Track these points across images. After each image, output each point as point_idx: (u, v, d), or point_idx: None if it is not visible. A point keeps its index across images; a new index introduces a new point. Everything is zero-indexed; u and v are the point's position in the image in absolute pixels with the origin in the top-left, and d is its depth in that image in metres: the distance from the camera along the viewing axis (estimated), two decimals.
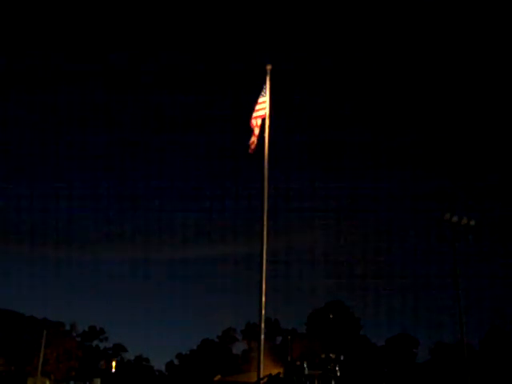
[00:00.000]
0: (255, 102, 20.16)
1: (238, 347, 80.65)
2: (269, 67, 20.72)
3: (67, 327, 75.33)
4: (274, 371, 17.52)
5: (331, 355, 16.80)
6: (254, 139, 19.69)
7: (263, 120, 19.97)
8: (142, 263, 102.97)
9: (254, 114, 20.00)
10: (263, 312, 18.44)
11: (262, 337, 18.34)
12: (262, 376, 17.55)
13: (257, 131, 19.73)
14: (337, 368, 16.54)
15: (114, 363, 79.93)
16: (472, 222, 34.82)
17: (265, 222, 18.93)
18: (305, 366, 16.40)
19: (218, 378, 63.14)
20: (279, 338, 76.02)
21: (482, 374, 58.12)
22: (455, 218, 34.43)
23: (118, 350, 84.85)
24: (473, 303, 66.88)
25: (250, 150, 19.66)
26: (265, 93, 20.29)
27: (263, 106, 20.10)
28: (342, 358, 16.77)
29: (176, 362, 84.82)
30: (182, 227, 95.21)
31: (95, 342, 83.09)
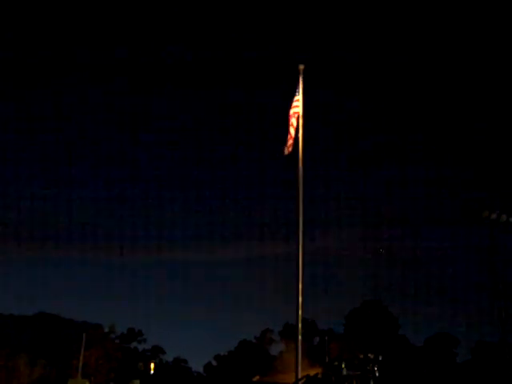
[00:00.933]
0: (290, 103, 20.18)
1: (276, 348, 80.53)
2: (301, 67, 20.72)
3: (106, 329, 76.07)
4: (312, 372, 17.46)
5: (369, 355, 16.68)
6: (290, 140, 19.68)
7: (297, 120, 19.95)
8: (179, 264, 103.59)
9: (291, 113, 20.00)
10: (300, 313, 18.43)
11: (300, 337, 18.33)
12: (300, 377, 17.53)
13: (293, 132, 19.72)
14: (375, 368, 16.42)
15: (152, 365, 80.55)
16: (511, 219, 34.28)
17: (300, 223, 18.91)
18: (343, 366, 16.32)
19: (256, 378, 63.27)
20: (316, 339, 75.74)
21: None
22: (494, 215, 33.92)
23: (156, 352, 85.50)
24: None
25: (286, 152, 19.67)
26: (298, 92, 20.30)
27: (297, 104, 20.10)
28: (380, 358, 16.64)
29: (214, 363, 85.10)
30: (219, 228, 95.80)
31: (134, 344, 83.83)
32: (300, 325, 18.27)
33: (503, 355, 35.06)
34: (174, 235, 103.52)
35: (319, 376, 16.73)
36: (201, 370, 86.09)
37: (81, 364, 58.61)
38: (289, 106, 20.10)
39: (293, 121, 19.76)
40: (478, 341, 70.08)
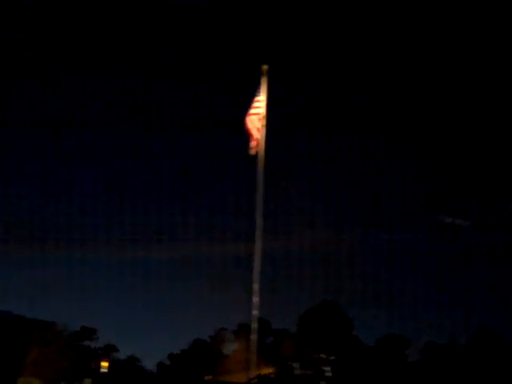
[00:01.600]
0: (251, 103, 20.25)
1: (230, 347, 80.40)
2: (265, 67, 20.75)
3: (58, 327, 74.86)
4: (265, 371, 17.52)
5: (322, 356, 16.82)
6: (254, 141, 19.77)
7: (260, 121, 20.02)
8: (132, 263, 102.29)
9: (250, 113, 20.06)
10: (255, 312, 18.46)
11: (254, 337, 18.36)
12: (253, 376, 17.58)
13: (256, 132, 19.79)
14: (328, 368, 16.57)
15: (104, 363, 79.62)
16: (466, 224, 35.01)
17: (259, 220, 18.95)
18: (296, 366, 16.43)
19: (209, 378, 63.08)
20: (270, 339, 75.98)
21: (472, 374, 58.42)
22: (449, 219, 34.60)
23: (109, 350, 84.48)
24: (463, 303, 67.24)
25: (252, 151, 19.75)
26: (260, 93, 20.34)
27: (259, 105, 20.17)
28: (332, 358, 16.79)
29: (167, 362, 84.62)
30: (172, 226, 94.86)
31: (86, 343, 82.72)
32: (255, 324, 18.30)
33: (451, 356, 35.79)
34: (124, 234, 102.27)
35: (272, 375, 16.80)
36: (154, 368, 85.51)
37: (30, 362, 57.53)
38: (250, 106, 20.14)
39: (255, 121, 19.82)
40: (427, 342, 71.39)
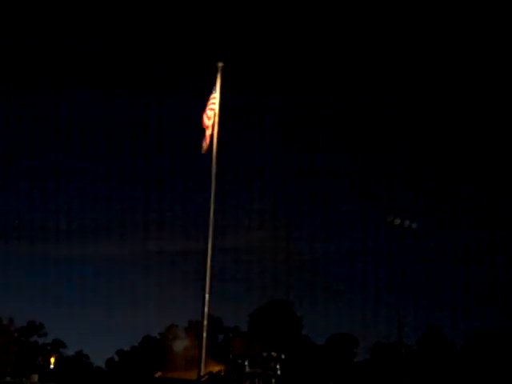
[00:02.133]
0: (206, 100, 20.12)
1: (180, 344, 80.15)
2: (220, 65, 20.65)
3: (4, 322, 73.43)
4: (215, 369, 17.48)
5: (272, 354, 16.86)
6: (206, 138, 19.66)
7: (213, 118, 19.92)
8: (81, 259, 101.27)
9: (206, 112, 19.95)
10: (206, 309, 18.39)
11: (205, 334, 18.29)
12: (202, 374, 17.50)
13: (209, 130, 19.68)
14: (278, 366, 16.61)
15: (52, 359, 78.47)
16: (414, 225, 35.56)
17: (211, 218, 18.86)
18: (246, 364, 16.42)
19: (158, 374, 62.66)
20: (221, 336, 75.99)
21: (419, 374, 59.46)
22: (398, 221, 35.10)
23: (57, 346, 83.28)
24: (411, 304, 68.51)
25: (203, 150, 19.61)
26: (215, 91, 20.22)
27: (213, 101, 20.05)
28: (283, 356, 16.85)
29: (116, 358, 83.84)
30: (122, 222, 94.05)
31: (34, 338, 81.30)
32: (206, 322, 18.23)
33: (399, 355, 36.33)
34: (73, 229, 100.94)
35: (222, 373, 16.77)
36: (103, 365, 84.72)
37: None
38: (205, 103, 20.04)
39: (210, 119, 19.73)
40: (376, 342, 72.38)
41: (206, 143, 19.54)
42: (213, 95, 20.05)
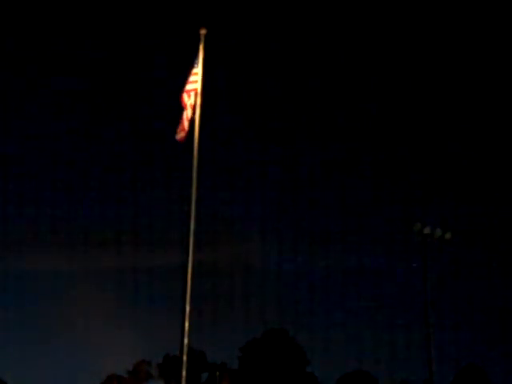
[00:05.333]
0: (187, 75, 19.95)
1: None
2: (203, 32, 20.53)
3: None
4: None
5: None
6: (184, 123, 19.32)
7: (195, 98, 19.71)
8: (33, 277, 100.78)
9: (186, 88, 19.74)
10: (186, 341, 18.30)
11: (184, 373, 18.21)
12: None
13: (189, 113, 19.39)
14: None
15: None
16: (448, 235, 35.48)
17: (192, 231, 18.70)
18: None
19: None
20: (205, 375, 75.91)
21: None
22: (427, 230, 35.01)
23: None
24: (445, 334, 68.44)
25: (179, 138, 19.30)
26: (197, 64, 20.08)
27: (195, 79, 19.88)
28: None
29: None
30: (83, 236, 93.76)
31: None
32: (185, 357, 18.15)
33: None
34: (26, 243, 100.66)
35: None
36: None
37: None
38: (185, 80, 19.90)
39: (190, 98, 19.56)
40: (402, 380, 72.40)
41: (183, 128, 19.25)
42: (194, 70, 19.91)
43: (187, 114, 19.39)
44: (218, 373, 65.38)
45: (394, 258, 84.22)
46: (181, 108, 19.54)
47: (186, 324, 18.24)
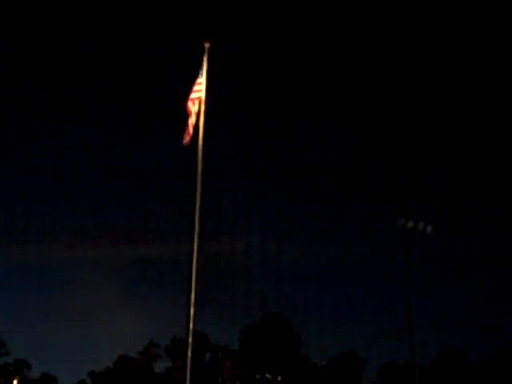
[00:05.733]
0: (192, 85, 20.01)
1: (162, 365, 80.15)
2: (207, 45, 20.59)
3: None
4: None
5: (267, 375, 16.89)
6: (190, 129, 19.39)
7: (199, 105, 19.78)
8: (52, 269, 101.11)
9: (191, 97, 19.80)
10: (191, 325, 18.37)
11: (190, 354, 18.26)
12: None
13: (193, 119, 19.46)
14: None
15: (15, 381, 78.31)
16: (429, 229, 35.52)
17: (196, 226, 18.78)
18: None
19: None
20: (208, 356, 75.97)
21: None
22: (410, 224, 35.06)
23: (20, 367, 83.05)
24: (426, 319, 68.61)
25: (185, 142, 19.34)
26: (201, 74, 20.14)
27: (199, 88, 19.94)
28: (279, 378, 16.89)
29: (89, 381, 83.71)
30: (100, 227, 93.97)
31: None
32: (191, 339, 18.20)
33: (411, 376, 36.32)
34: (48, 237, 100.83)
35: None
36: None
37: None
38: (190, 89, 19.95)
39: (195, 106, 19.61)
40: (385, 362, 72.44)
41: (188, 133, 19.34)
42: (199, 80, 19.98)
43: (192, 120, 19.47)
44: (220, 353, 65.46)
45: (380, 249, 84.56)
46: (186, 115, 19.64)
47: (191, 310, 18.32)
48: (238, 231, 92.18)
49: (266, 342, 68.58)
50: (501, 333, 78.44)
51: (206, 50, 20.52)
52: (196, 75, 20.17)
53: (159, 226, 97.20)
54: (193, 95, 19.84)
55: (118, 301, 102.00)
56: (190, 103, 19.82)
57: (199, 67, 20.27)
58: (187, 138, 19.43)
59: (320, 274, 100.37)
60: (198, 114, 19.73)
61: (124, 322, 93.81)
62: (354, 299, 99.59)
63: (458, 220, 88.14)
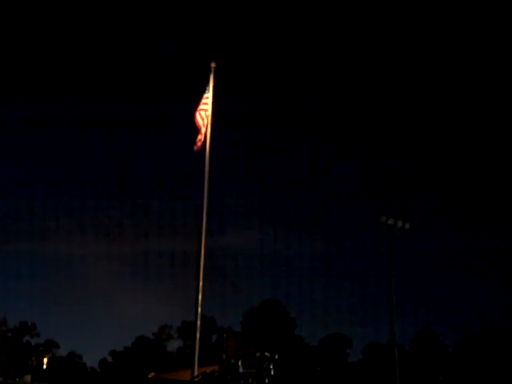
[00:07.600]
0: (199, 99, 20.05)
1: (174, 345, 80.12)
2: (213, 65, 20.59)
3: None
4: (209, 369, 17.46)
5: (266, 354, 16.86)
6: (200, 137, 19.55)
7: (207, 118, 19.85)
8: (76, 258, 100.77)
9: (199, 109, 19.85)
10: (199, 310, 18.35)
11: (198, 335, 18.25)
12: (196, 374, 17.47)
13: (203, 129, 19.60)
14: (271, 367, 16.61)
15: (45, 360, 78.16)
16: (407, 225, 35.59)
17: (204, 219, 18.80)
18: (239, 364, 16.40)
19: (152, 375, 62.47)
20: (215, 337, 75.88)
21: (412, 374, 59.57)
22: (391, 221, 35.12)
23: (49, 347, 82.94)
24: (405, 304, 68.54)
25: (195, 148, 19.48)
26: (208, 90, 20.16)
27: (207, 102, 19.98)
28: (276, 357, 16.85)
29: (109, 359, 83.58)
30: (117, 221, 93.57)
31: (26, 338, 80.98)
32: (199, 322, 18.20)
33: (392, 356, 36.37)
34: (70, 228, 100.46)
35: (215, 373, 16.75)
36: (96, 365, 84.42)
37: None
38: (197, 103, 19.98)
39: (203, 118, 19.66)
40: (370, 342, 72.46)
41: (199, 140, 19.44)
42: (205, 95, 20.00)
43: (201, 131, 19.55)
44: (225, 335, 65.27)
45: (364, 244, 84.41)
46: (195, 126, 19.73)
47: (200, 296, 18.33)
48: (241, 227, 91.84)
49: (264, 325, 68.57)
50: (470, 317, 78.64)
51: (212, 70, 20.52)
52: (203, 91, 20.21)
53: (172, 223, 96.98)
54: (201, 107, 19.89)
55: (134, 288, 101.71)
56: (198, 116, 19.87)
57: (206, 84, 20.32)
58: (198, 145, 19.58)
59: (313, 265, 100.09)
60: (205, 126, 19.81)
61: (141, 307, 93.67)
62: (343, 286, 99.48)
63: (433, 218, 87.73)
